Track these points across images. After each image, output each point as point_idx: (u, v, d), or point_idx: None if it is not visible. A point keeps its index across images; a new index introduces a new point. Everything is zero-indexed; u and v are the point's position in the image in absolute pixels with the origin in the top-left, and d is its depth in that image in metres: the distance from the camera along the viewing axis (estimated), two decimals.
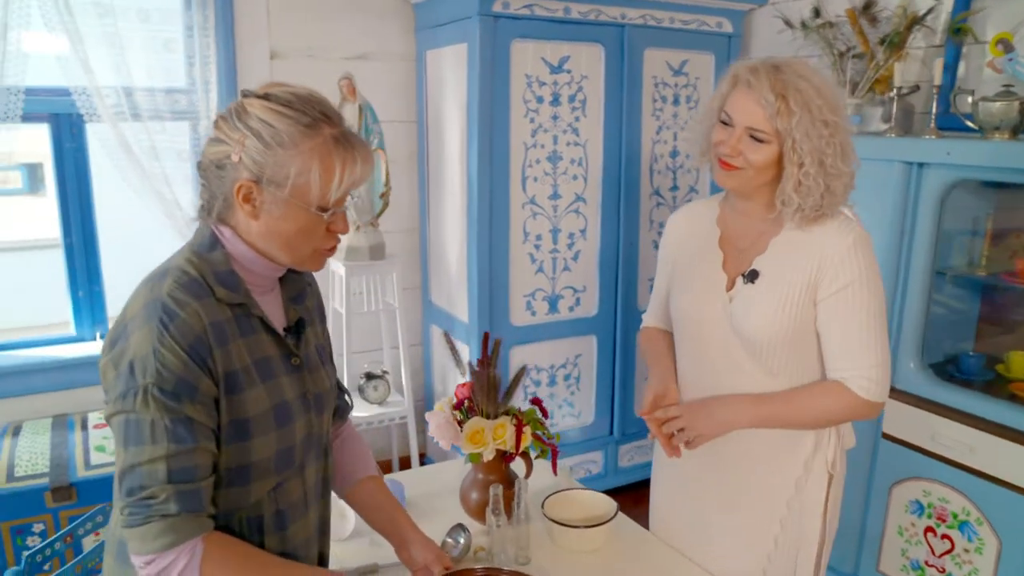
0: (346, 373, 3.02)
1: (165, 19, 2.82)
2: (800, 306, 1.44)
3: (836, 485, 1.57)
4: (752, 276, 1.48)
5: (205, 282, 1.09)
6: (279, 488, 1.16)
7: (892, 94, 2.38)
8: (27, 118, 2.71)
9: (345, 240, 3.00)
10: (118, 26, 2.70)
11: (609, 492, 1.81)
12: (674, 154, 3.25)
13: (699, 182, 3.36)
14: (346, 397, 1.48)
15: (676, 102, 3.20)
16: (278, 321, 1.21)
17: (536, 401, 1.77)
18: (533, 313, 3.13)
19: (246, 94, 1.10)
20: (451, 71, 3.00)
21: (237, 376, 1.08)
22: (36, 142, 3.00)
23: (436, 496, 1.88)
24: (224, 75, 2.98)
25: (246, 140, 1.06)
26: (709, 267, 1.56)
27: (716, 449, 1.57)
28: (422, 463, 3.40)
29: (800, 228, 1.44)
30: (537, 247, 3.07)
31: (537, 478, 1.86)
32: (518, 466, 1.78)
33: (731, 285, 1.52)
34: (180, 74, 2.90)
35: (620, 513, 1.77)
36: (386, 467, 3.47)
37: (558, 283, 3.15)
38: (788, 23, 2.67)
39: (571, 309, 3.20)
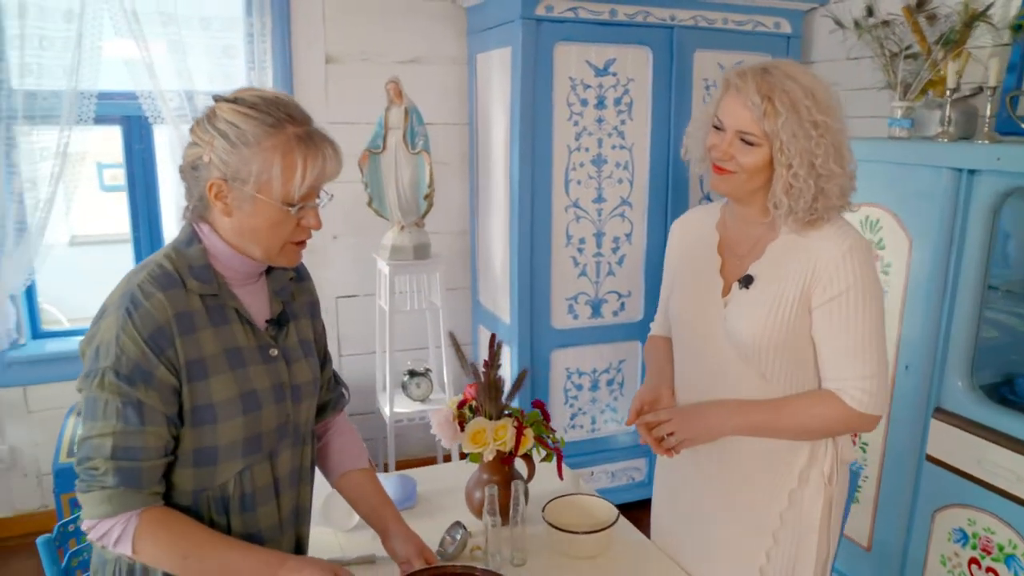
0: (388, 370, 3.09)
1: (225, 26, 2.96)
2: (793, 313, 1.41)
3: (836, 500, 1.51)
4: (747, 282, 1.47)
5: (179, 275, 1.15)
6: (246, 472, 1.21)
7: (948, 96, 2.25)
8: (100, 120, 2.90)
9: (390, 239, 3.08)
10: (181, 34, 2.86)
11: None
12: None
13: None
14: (343, 390, 1.52)
15: None
16: (260, 313, 1.26)
17: (538, 404, 1.77)
18: (575, 316, 3.11)
19: (217, 99, 1.16)
20: (497, 74, 3.03)
21: (203, 363, 1.14)
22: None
23: (446, 494, 1.90)
24: (280, 79, 3.11)
25: (215, 141, 1.13)
26: (706, 272, 1.55)
27: (710, 458, 1.55)
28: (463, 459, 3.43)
29: (797, 233, 1.41)
30: (580, 250, 3.06)
31: (547, 483, 1.86)
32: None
33: (727, 290, 1.50)
34: (238, 78, 3.03)
35: (625, 521, 1.76)
36: (430, 463, 3.52)
37: (602, 287, 3.12)
38: (839, 23, 2.56)
39: (615, 314, 3.17)
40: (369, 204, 3.09)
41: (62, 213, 2.88)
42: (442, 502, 1.88)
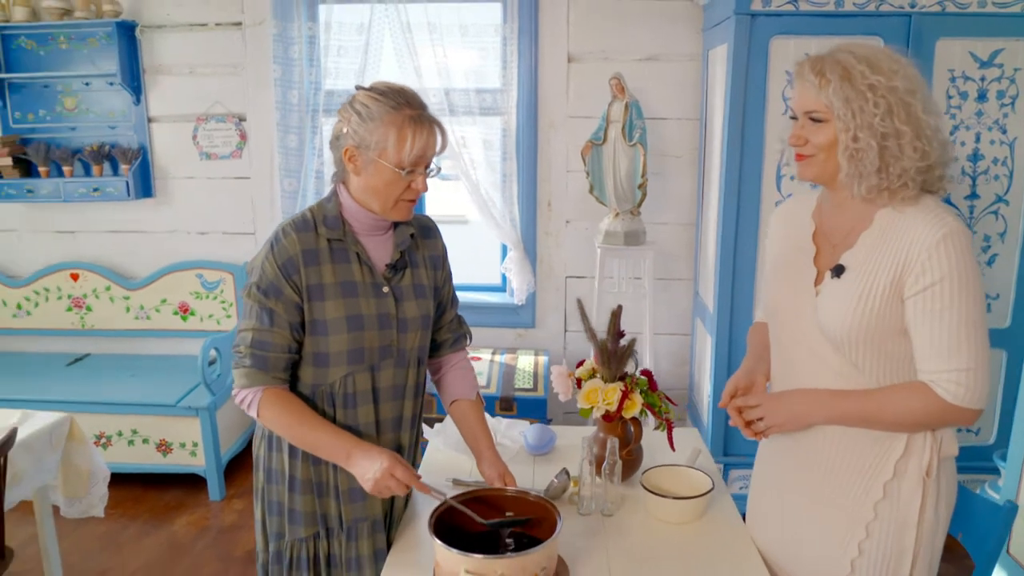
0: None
1: (480, 32, 3.43)
2: (884, 303, 1.38)
3: (939, 496, 1.45)
4: (838, 271, 1.45)
5: (314, 222, 1.53)
6: (349, 377, 1.56)
7: None
8: None
9: (605, 224, 3.31)
10: (444, 40, 3.37)
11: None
12: (975, 157, 2.86)
13: (1011, 191, 2.89)
14: (465, 333, 1.83)
15: (982, 97, 2.81)
16: (382, 258, 1.60)
17: (646, 373, 1.90)
18: None
19: (358, 88, 1.52)
20: (719, 70, 3.08)
21: (321, 288, 1.51)
22: None
23: (576, 448, 2.11)
24: (525, 77, 3.49)
25: (351, 118, 1.49)
26: (801, 261, 1.55)
27: (803, 446, 1.55)
28: None
29: (894, 208, 1.39)
30: None
31: (663, 452, 1.97)
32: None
33: (820, 279, 1.50)
34: (490, 77, 3.48)
35: (730, 503, 1.82)
36: None
37: None
38: None
39: None
40: (590, 191, 3.35)
41: None
42: (566, 454, 2.09)
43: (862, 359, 1.42)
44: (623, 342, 1.94)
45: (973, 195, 2.91)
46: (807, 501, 1.56)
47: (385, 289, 1.58)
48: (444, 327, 1.77)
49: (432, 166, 1.55)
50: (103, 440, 3.37)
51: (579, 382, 1.94)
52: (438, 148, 1.52)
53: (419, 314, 1.64)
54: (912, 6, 2.74)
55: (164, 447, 3.36)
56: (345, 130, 1.50)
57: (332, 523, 1.62)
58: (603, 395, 1.87)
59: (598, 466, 1.81)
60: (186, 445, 3.35)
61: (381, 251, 1.61)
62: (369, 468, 1.46)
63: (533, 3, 3.45)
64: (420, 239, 1.69)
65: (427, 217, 1.77)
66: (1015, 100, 2.82)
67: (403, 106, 1.47)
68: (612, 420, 1.87)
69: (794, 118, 1.45)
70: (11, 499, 2.25)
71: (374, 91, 1.49)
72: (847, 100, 1.34)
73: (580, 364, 1.97)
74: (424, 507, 1.71)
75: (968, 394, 1.32)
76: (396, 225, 1.64)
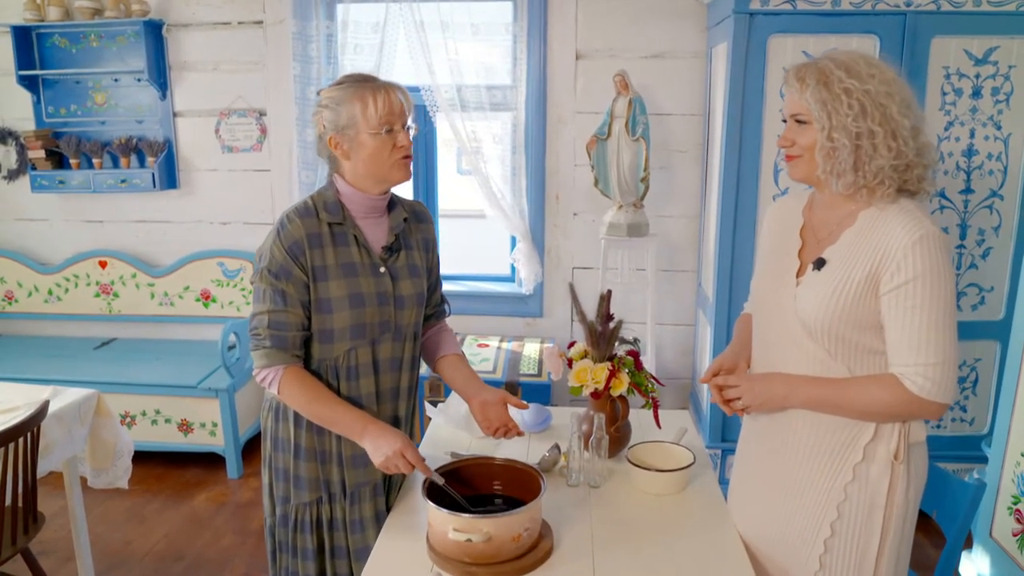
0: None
1: (491, 31, 3.54)
2: (857, 296, 1.47)
3: (908, 480, 1.53)
4: (819, 264, 1.54)
5: (315, 208, 1.66)
6: (352, 351, 1.69)
7: None
8: None
9: (609, 216, 3.41)
10: (456, 37, 3.49)
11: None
12: (969, 153, 2.92)
13: (1005, 185, 2.95)
14: (445, 306, 1.98)
15: (977, 94, 2.87)
16: (379, 240, 1.72)
17: (632, 353, 2.01)
18: None
19: (319, 91, 1.68)
20: (721, 67, 3.17)
21: (325, 269, 1.64)
22: None
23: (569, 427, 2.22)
24: (534, 74, 3.60)
25: (323, 113, 1.64)
26: (786, 253, 1.64)
27: (782, 429, 1.64)
28: None
29: (878, 209, 1.47)
30: None
31: (652, 432, 2.08)
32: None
33: (803, 271, 1.59)
34: (500, 73, 3.60)
35: (709, 476, 1.92)
36: None
37: None
38: None
39: None
40: (595, 184, 3.46)
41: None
42: (567, 432, 2.18)
43: (834, 347, 1.51)
44: (611, 324, 2.05)
45: (968, 190, 2.97)
46: (783, 482, 1.64)
47: (382, 269, 1.71)
48: (430, 304, 1.91)
49: (409, 123, 1.68)
50: (128, 419, 3.55)
51: (570, 362, 2.06)
52: (404, 105, 1.65)
53: (414, 292, 1.77)
54: (908, 5, 2.81)
55: (185, 427, 3.53)
56: (323, 126, 1.65)
57: (334, 488, 1.74)
58: (592, 374, 1.98)
59: (586, 441, 1.92)
60: (206, 425, 3.51)
61: (377, 234, 1.73)
62: (382, 446, 1.59)
63: (542, 2, 3.55)
64: (413, 223, 1.81)
65: (420, 203, 1.90)
66: (1009, 97, 2.88)
67: (360, 82, 1.63)
68: (600, 398, 1.98)
69: (785, 122, 1.55)
70: (43, 468, 2.41)
71: (333, 85, 1.66)
72: (823, 103, 1.43)
73: (571, 345, 2.08)
74: (421, 474, 1.83)
75: (934, 387, 1.40)
76: (391, 210, 1.76)
